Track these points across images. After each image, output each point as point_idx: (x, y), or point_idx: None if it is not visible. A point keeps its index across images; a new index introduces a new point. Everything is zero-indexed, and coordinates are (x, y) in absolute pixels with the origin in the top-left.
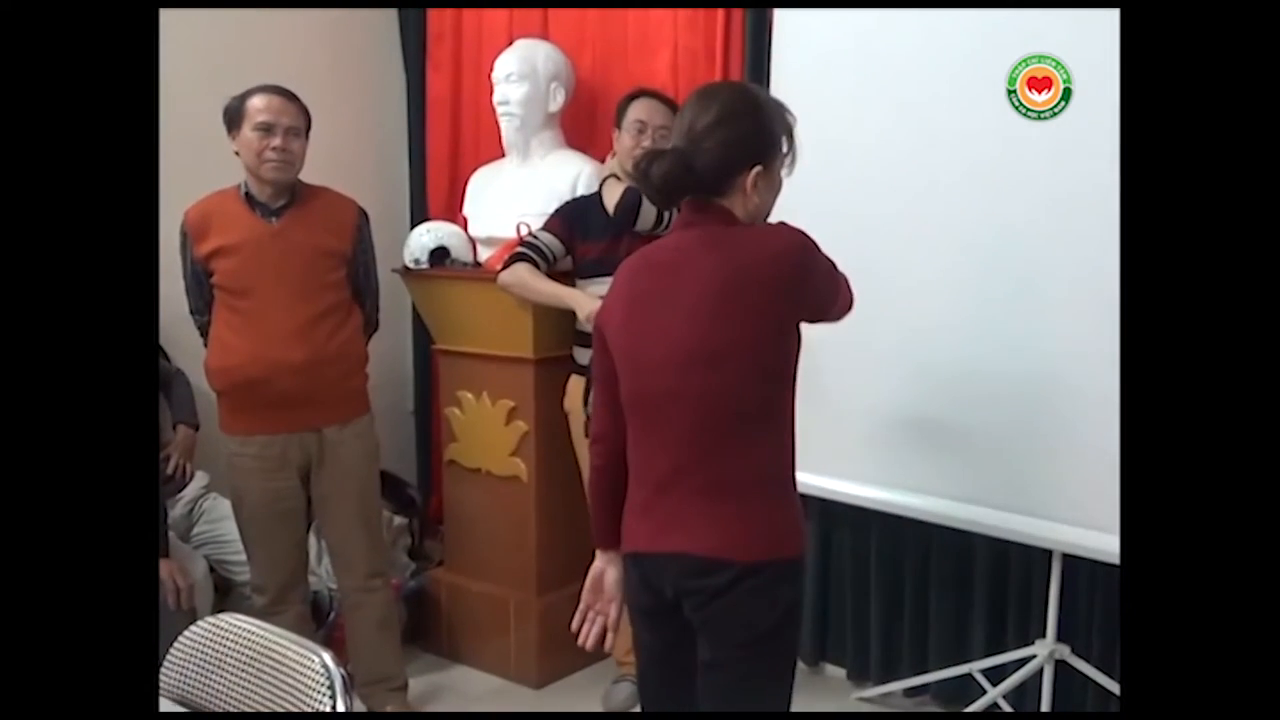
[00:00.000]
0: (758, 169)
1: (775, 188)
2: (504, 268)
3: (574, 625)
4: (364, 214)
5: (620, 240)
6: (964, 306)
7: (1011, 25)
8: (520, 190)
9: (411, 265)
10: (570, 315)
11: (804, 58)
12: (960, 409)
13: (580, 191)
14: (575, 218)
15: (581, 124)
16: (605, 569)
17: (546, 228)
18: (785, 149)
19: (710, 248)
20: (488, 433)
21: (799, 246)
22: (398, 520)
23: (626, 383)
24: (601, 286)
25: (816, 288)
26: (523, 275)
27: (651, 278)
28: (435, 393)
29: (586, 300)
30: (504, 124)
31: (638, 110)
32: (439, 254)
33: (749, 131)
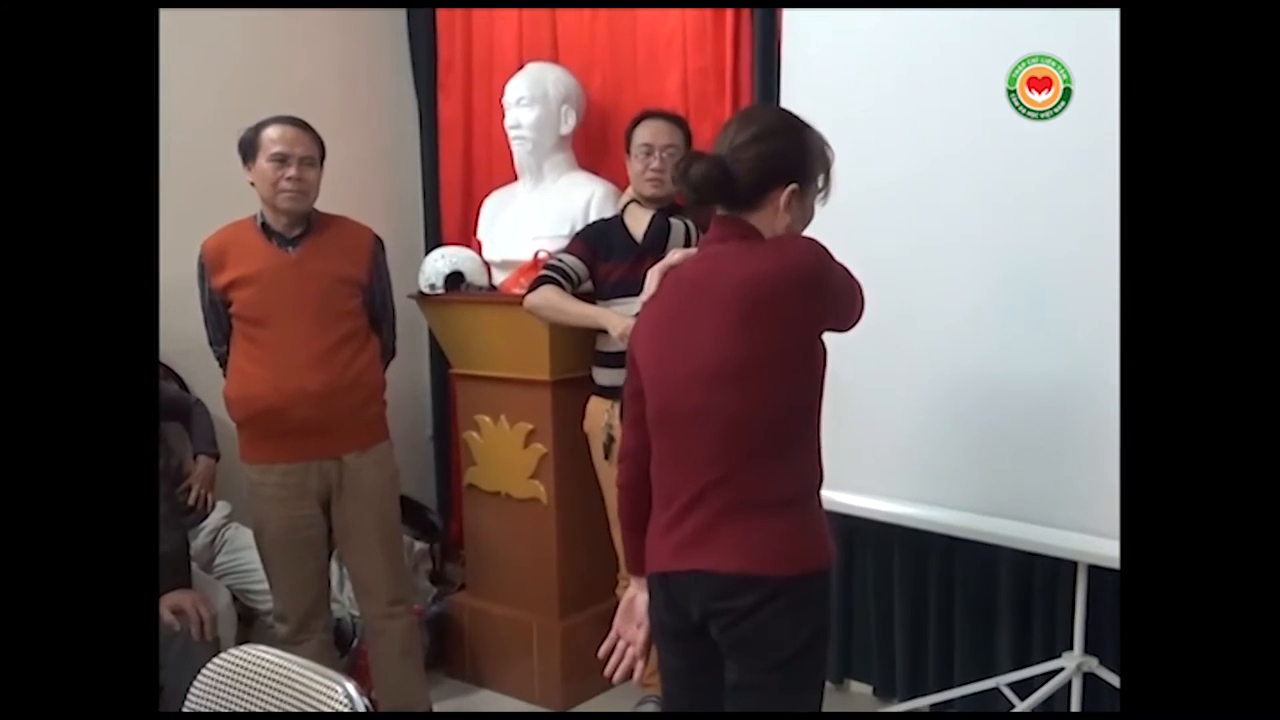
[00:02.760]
0: (793, 187)
1: (807, 214)
2: (530, 290)
3: (602, 652)
4: (380, 241)
5: (643, 262)
6: (977, 315)
7: (1011, 25)
8: (534, 213)
9: (427, 290)
10: (587, 336)
11: (811, 70)
12: (980, 421)
13: (593, 213)
14: (597, 240)
15: (593, 145)
16: (637, 595)
17: (569, 250)
18: (821, 182)
19: (732, 263)
20: (506, 456)
21: (814, 254)
22: (419, 545)
23: (653, 401)
24: (624, 307)
25: (834, 294)
26: (551, 297)
27: (679, 296)
28: (453, 417)
29: (619, 319)
30: (516, 147)
31: (642, 134)
32: (454, 279)
33: (787, 150)
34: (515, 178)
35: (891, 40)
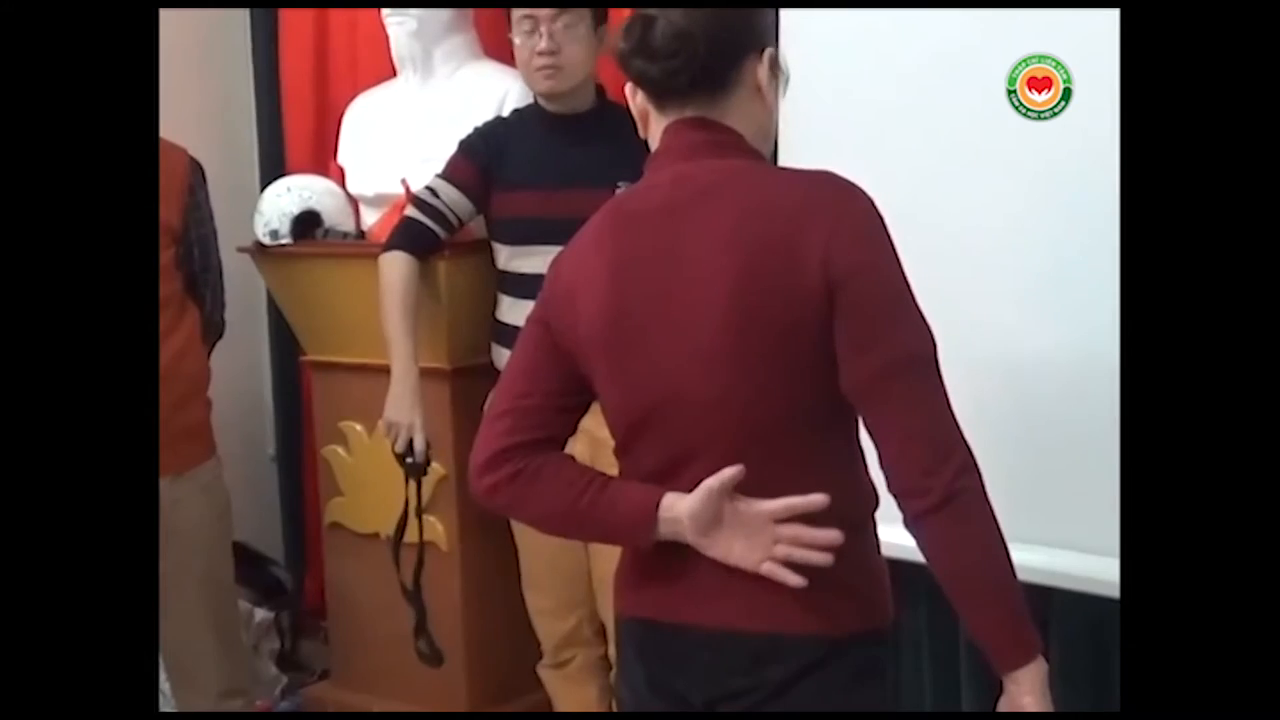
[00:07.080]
0: (770, 52)
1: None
2: (385, 249)
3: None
4: (199, 168)
5: (568, 191)
6: (966, 312)
7: (1011, 25)
8: (420, 121)
9: (267, 240)
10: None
11: (807, 58)
12: (980, 425)
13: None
14: (491, 152)
15: (504, 28)
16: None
17: (448, 173)
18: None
19: (729, 188)
20: (386, 481)
21: (866, 198)
22: (260, 614)
23: (618, 391)
24: (536, 259)
25: (876, 271)
26: (391, 273)
27: (645, 235)
28: (308, 426)
29: (404, 390)
30: (394, 30)
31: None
32: (306, 222)
33: (745, 10)
34: (392, 74)
35: (886, 32)
